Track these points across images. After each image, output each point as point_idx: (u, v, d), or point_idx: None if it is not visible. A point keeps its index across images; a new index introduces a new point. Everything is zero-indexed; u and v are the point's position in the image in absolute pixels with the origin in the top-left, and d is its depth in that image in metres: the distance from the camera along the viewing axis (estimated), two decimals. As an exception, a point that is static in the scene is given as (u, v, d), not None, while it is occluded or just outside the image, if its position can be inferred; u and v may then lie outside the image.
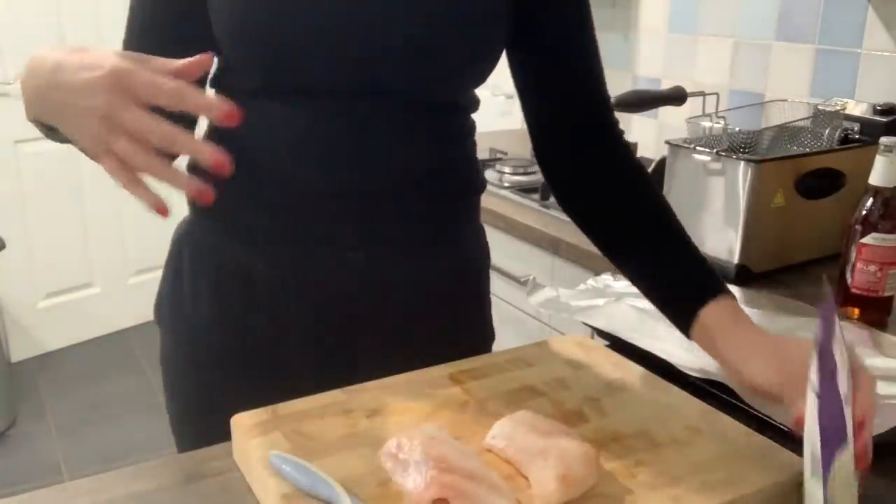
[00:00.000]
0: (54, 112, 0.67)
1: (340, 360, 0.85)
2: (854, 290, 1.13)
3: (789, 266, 1.36)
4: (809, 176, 1.33)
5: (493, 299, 0.99)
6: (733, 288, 1.18)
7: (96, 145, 0.60)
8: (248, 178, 0.80)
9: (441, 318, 0.89)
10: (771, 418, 0.78)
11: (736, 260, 1.30)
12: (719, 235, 1.32)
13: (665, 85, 1.93)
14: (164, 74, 0.59)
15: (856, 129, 1.41)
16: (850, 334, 1.01)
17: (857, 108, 1.45)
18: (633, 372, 0.80)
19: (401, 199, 0.83)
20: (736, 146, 1.32)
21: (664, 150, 1.42)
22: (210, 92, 0.82)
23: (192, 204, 0.90)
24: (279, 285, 0.84)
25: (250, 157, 0.78)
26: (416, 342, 0.86)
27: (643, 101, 1.56)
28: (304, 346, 0.85)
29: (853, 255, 1.12)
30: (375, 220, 0.83)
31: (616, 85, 2.16)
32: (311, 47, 0.75)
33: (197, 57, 0.60)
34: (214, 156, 0.58)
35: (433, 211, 0.87)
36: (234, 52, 0.78)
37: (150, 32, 0.81)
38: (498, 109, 2.54)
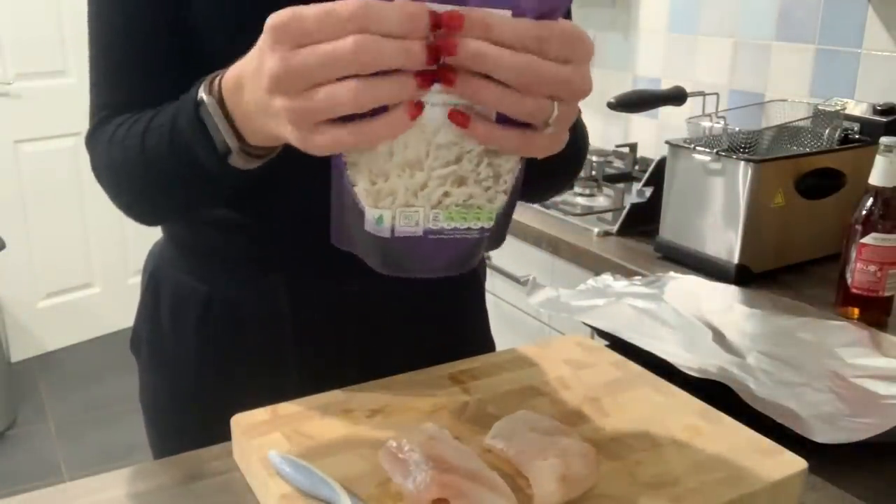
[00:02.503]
0: (253, 122, 0.56)
1: (336, 386, 0.83)
2: (854, 290, 1.13)
3: (789, 266, 1.36)
4: (809, 176, 1.33)
5: (494, 299, 0.99)
6: (733, 288, 1.18)
7: (298, 122, 0.49)
8: (239, 209, 0.78)
9: (441, 339, 0.88)
10: (771, 418, 0.78)
11: (736, 260, 1.30)
12: (719, 235, 1.32)
13: (665, 85, 1.93)
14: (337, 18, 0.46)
15: (856, 129, 1.41)
16: (850, 334, 1.01)
17: (857, 108, 1.45)
18: (633, 372, 0.79)
19: None
20: (736, 146, 1.32)
21: (664, 150, 1.42)
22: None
23: (172, 239, 0.86)
24: (272, 319, 0.82)
25: (239, 186, 0.72)
26: (417, 363, 0.81)
27: (643, 101, 1.57)
28: (300, 377, 0.82)
29: (853, 255, 1.12)
30: None
31: (616, 85, 2.16)
32: None
33: None
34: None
35: None
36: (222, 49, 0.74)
37: (120, 46, 0.74)
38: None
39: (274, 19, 0.48)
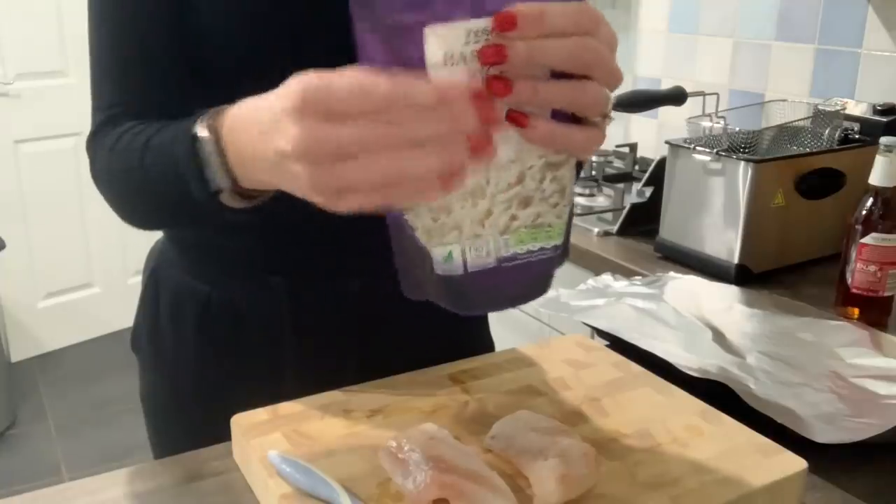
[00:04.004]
0: (249, 169, 0.55)
1: (336, 386, 0.83)
2: (854, 290, 1.13)
3: (789, 266, 1.36)
4: (809, 176, 1.33)
5: (493, 299, 0.99)
6: (733, 288, 1.18)
7: (323, 191, 0.47)
8: (238, 209, 0.78)
9: (441, 339, 0.87)
10: (771, 418, 0.78)
11: (736, 260, 1.30)
12: (719, 235, 1.32)
13: (665, 85, 1.93)
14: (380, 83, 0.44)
15: (856, 129, 1.41)
16: (850, 334, 1.01)
17: (857, 108, 1.45)
18: (633, 372, 0.79)
19: None
20: (736, 146, 1.32)
21: (664, 150, 1.42)
22: None
23: (172, 238, 0.86)
24: (273, 319, 0.81)
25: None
26: (417, 364, 0.81)
27: (643, 101, 1.56)
28: (300, 378, 0.81)
29: (853, 255, 1.12)
30: (371, 246, 0.80)
31: (616, 85, 2.16)
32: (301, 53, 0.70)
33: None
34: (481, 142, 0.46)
35: None
36: (221, 57, 0.73)
37: (124, 45, 0.73)
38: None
39: (304, 84, 0.46)
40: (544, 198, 0.52)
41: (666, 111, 1.98)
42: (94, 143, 0.74)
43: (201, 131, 0.58)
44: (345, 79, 0.45)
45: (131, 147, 0.68)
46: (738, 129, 1.39)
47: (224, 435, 0.70)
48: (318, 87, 0.46)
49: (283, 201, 0.78)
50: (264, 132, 0.50)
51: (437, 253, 0.52)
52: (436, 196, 0.48)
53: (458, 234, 0.51)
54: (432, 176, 0.46)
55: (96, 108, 0.75)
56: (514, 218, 0.51)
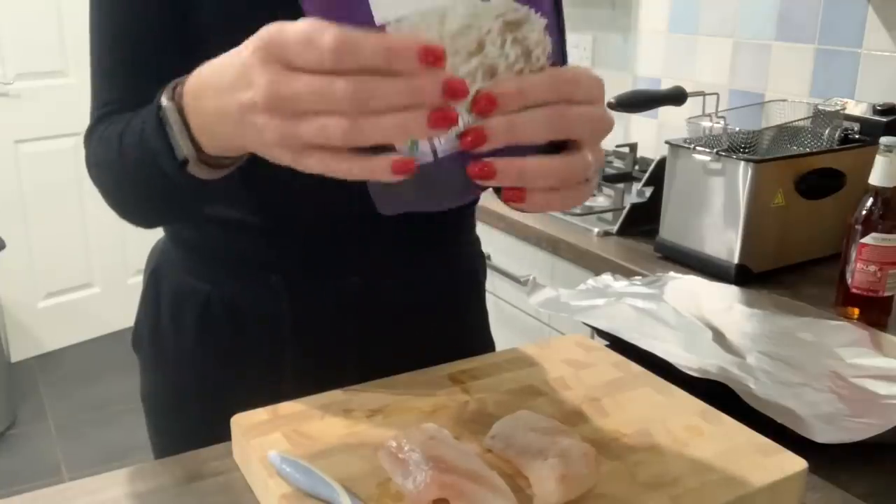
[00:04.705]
0: (213, 131, 0.55)
1: (336, 386, 0.83)
2: (854, 290, 1.13)
3: (789, 266, 1.36)
4: (809, 176, 1.33)
5: (494, 299, 0.99)
6: (733, 288, 1.18)
7: (286, 144, 0.47)
8: (239, 208, 0.78)
9: (441, 339, 0.88)
10: (771, 418, 0.78)
11: (736, 260, 1.30)
12: (719, 235, 1.32)
13: (665, 85, 1.93)
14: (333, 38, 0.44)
15: (856, 129, 1.41)
16: (850, 334, 1.01)
17: (857, 108, 1.45)
18: (633, 372, 0.79)
19: (396, 220, 0.76)
20: (736, 146, 1.32)
21: (664, 150, 1.42)
22: None
23: (172, 237, 0.86)
24: (273, 318, 0.81)
25: (238, 186, 0.72)
26: (417, 363, 0.81)
27: (643, 101, 1.57)
28: (300, 377, 0.81)
29: (853, 255, 1.12)
30: (371, 243, 0.80)
31: (616, 85, 2.16)
32: None
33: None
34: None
35: (430, 229, 0.85)
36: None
37: (124, 43, 0.73)
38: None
39: (263, 34, 0.47)
40: (509, 64, 0.48)
41: (666, 111, 1.99)
42: (88, 136, 0.75)
43: (164, 101, 0.58)
44: (297, 26, 0.45)
45: (111, 135, 0.68)
46: (738, 129, 1.39)
47: (224, 435, 0.70)
48: (272, 36, 0.46)
49: (283, 201, 0.79)
50: (229, 87, 0.50)
51: (402, 145, 0.49)
52: (396, 177, 0.47)
53: None
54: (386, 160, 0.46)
55: (93, 106, 0.76)
56: (479, 92, 0.48)
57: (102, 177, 0.72)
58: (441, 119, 0.45)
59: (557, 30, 0.80)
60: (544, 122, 0.48)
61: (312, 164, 0.47)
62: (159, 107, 0.58)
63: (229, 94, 0.50)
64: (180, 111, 0.57)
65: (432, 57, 0.44)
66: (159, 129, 0.59)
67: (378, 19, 0.49)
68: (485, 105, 0.47)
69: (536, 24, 0.49)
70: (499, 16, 0.48)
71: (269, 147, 0.49)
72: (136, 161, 0.64)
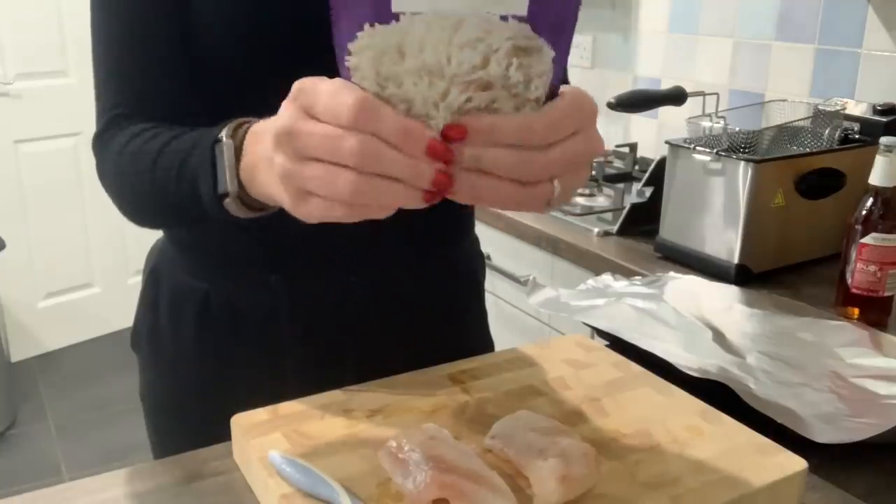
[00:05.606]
0: (253, 174, 0.58)
1: (336, 386, 0.83)
2: (854, 290, 1.13)
3: (789, 266, 1.36)
4: (809, 176, 1.33)
5: (494, 299, 1.00)
6: (733, 288, 1.18)
7: (288, 184, 0.50)
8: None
9: (441, 339, 0.88)
10: (771, 418, 0.78)
11: (736, 260, 1.30)
12: (719, 235, 1.32)
13: (665, 85, 1.93)
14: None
15: (856, 129, 1.41)
16: (850, 334, 1.01)
17: (857, 108, 1.45)
18: (633, 372, 0.79)
19: (395, 220, 0.79)
20: (736, 146, 1.32)
21: (664, 150, 1.42)
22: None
23: (172, 237, 0.86)
24: (272, 318, 0.81)
25: None
26: (416, 363, 0.81)
27: (643, 101, 1.56)
28: (300, 377, 0.81)
29: (853, 255, 1.12)
30: (370, 243, 0.80)
31: (616, 85, 2.16)
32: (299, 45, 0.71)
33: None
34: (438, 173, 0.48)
35: (430, 229, 0.85)
36: (219, 51, 0.73)
37: (131, 43, 0.73)
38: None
39: (300, 82, 0.50)
40: (506, 85, 0.49)
41: (666, 111, 1.98)
42: (100, 143, 0.74)
43: (224, 136, 0.61)
44: (331, 82, 0.48)
45: (145, 150, 0.69)
46: (738, 129, 1.39)
47: (224, 435, 0.70)
48: (306, 85, 0.49)
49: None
50: (269, 131, 0.52)
51: None
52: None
53: (405, 109, 0.48)
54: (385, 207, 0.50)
55: (101, 109, 0.75)
56: (469, 100, 0.48)
57: (123, 189, 0.73)
58: (435, 197, 0.49)
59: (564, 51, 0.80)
60: (512, 165, 0.49)
61: (311, 214, 0.51)
62: (217, 140, 0.61)
63: (268, 136, 0.53)
64: (238, 150, 0.60)
65: (437, 154, 0.47)
66: (208, 159, 0.62)
67: (395, 7, 0.49)
68: (456, 135, 0.48)
69: (545, 57, 0.50)
70: (510, 38, 0.49)
71: (280, 189, 0.52)
72: (172, 182, 0.66)
